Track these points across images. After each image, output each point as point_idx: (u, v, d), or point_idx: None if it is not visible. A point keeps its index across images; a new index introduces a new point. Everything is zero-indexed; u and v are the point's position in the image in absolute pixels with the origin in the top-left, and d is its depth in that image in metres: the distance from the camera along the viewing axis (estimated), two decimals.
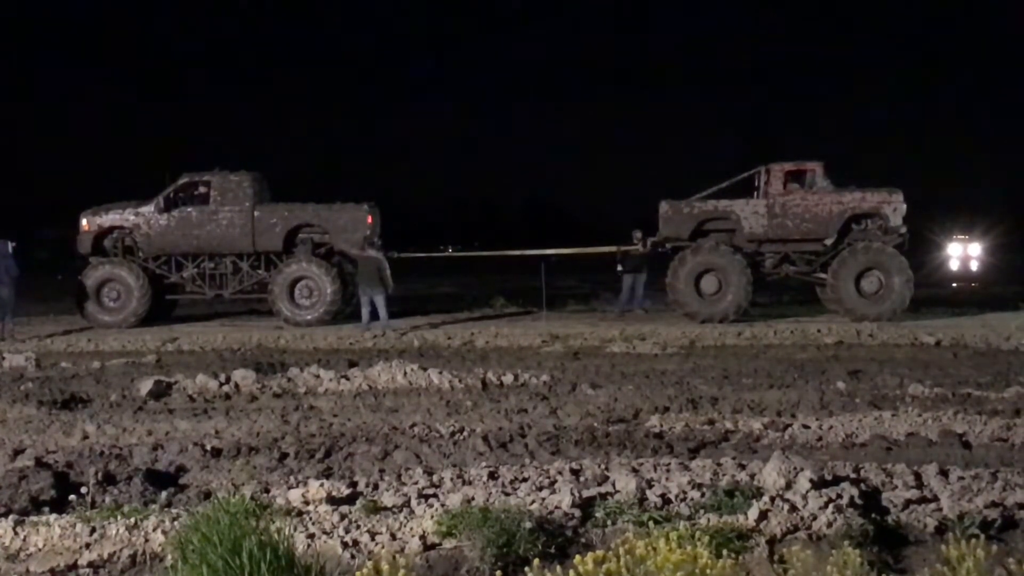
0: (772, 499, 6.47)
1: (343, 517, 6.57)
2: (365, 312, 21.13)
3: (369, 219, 23.47)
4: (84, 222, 23.84)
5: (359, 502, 6.96)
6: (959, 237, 33.77)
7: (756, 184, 24.00)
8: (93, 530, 6.35)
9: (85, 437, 10.14)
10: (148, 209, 23.46)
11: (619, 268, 25.26)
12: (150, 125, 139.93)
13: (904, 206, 22.72)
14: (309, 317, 22.57)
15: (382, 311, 21.05)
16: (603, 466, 7.94)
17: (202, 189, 23.66)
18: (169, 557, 5.86)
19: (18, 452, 9.31)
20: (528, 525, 6.01)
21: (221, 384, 13.10)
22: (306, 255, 23.14)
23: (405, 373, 13.55)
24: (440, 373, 13.65)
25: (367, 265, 21.41)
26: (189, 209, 23.46)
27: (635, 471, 7.58)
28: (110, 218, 23.72)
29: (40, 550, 6.24)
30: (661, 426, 10.41)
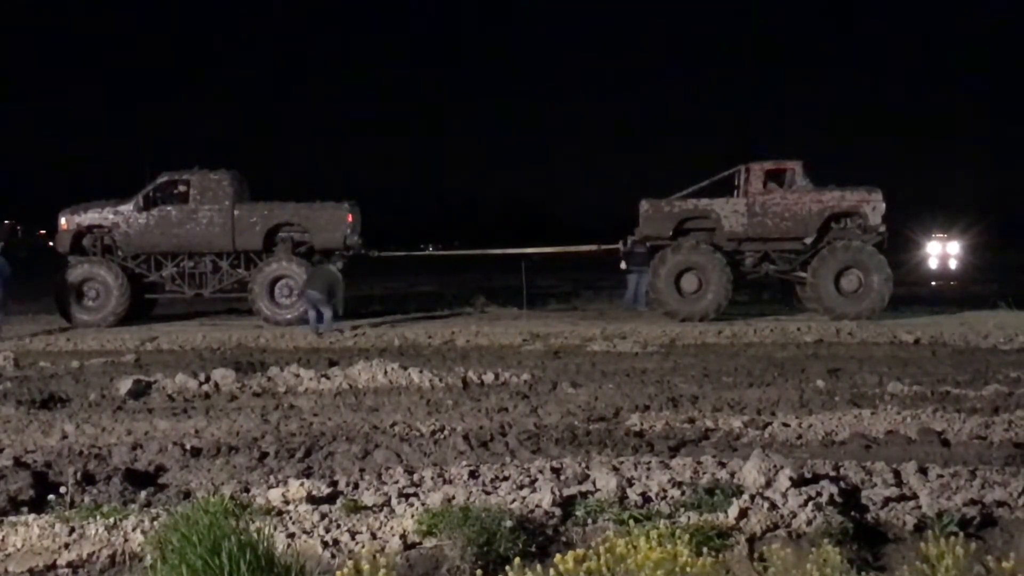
0: (752, 497, 6.48)
1: (323, 516, 6.55)
2: (312, 313, 20.78)
3: (349, 218, 23.43)
4: (63, 221, 23.70)
5: (339, 501, 6.95)
6: (938, 235, 33.84)
7: (736, 183, 24.07)
8: (72, 530, 6.32)
9: (64, 437, 10.07)
10: (127, 208, 23.34)
11: (622, 265, 25.45)
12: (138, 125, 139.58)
13: (883, 204, 22.82)
14: (289, 316, 22.48)
15: (327, 311, 20.63)
16: (583, 465, 7.94)
17: (181, 188, 23.56)
18: (148, 557, 5.83)
19: None
20: (508, 524, 6.00)
21: (201, 383, 13.05)
22: (286, 254, 23.06)
23: (385, 372, 13.53)
24: (421, 372, 13.63)
25: (318, 275, 20.75)
26: (169, 208, 23.36)
27: (615, 469, 7.59)
28: (89, 217, 23.58)
29: (19, 550, 6.20)
30: (641, 424, 10.42)
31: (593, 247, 26.63)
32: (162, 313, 25.26)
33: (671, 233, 23.23)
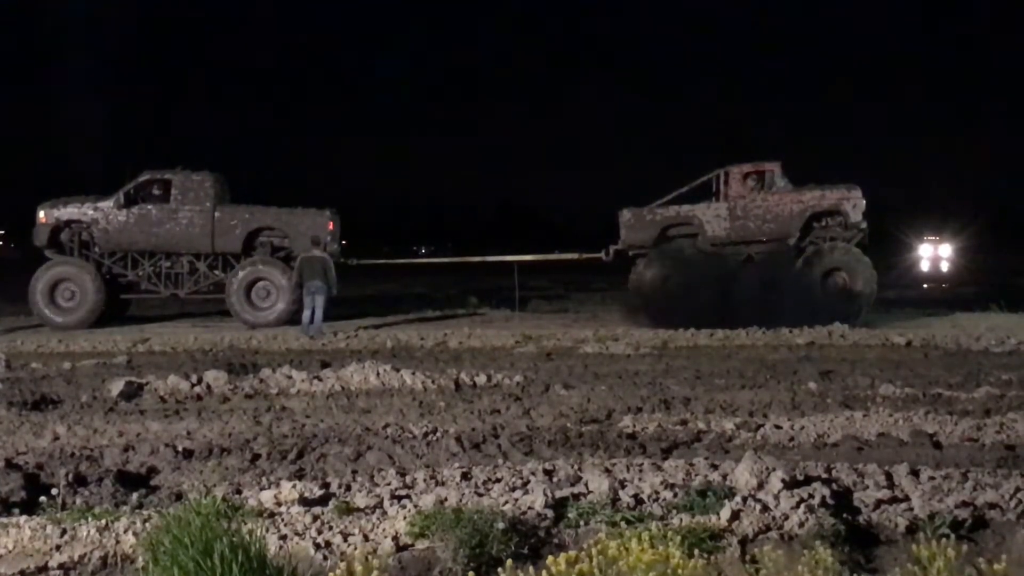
0: (744, 499, 6.49)
1: (315, 518, 6.54)
2: (307, 313, 20.79)
3: (330, 225, 23.43)
4: (42, 214, 23.60)
5: (331, 503, 6.94)
6: (930, 238, 34.01)
7: (715, 187, 24.13)
8: (64, 532, 6.29)
9: (56, 438, 10.04)
10: (107, 204, 23.31)
11: None
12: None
13: (863, 202, 22.89)
14: (263, 319, 22.51)
15: (319, 311, 20.68)
16: (576, 466, 7.94)
17: (163, 187, 23.54)
18: (140, 559, 5.81)
19: None
20: (501, 526, 6.00)
21: (193, 385, 13.01)
22: (264, 257, 23.04)
23: (378, 374, 13.50)
24: (413, 374, 13.62)
25: (313, 264, 20.93)
26: (149, 207, 23.33)
27: (608, 471, 7.59)
28: (68, 211, 23.53)
29: (10, 552, 6.18)
30: (634, 426, 10.42)
31: (574, 255, 26.77)
32: (153, 314, 25.24)
33: (654, 241, 23.33)
